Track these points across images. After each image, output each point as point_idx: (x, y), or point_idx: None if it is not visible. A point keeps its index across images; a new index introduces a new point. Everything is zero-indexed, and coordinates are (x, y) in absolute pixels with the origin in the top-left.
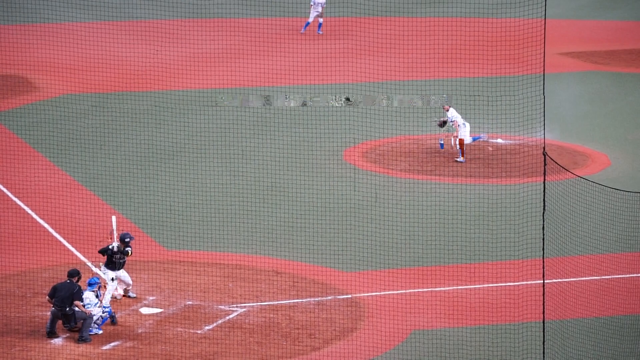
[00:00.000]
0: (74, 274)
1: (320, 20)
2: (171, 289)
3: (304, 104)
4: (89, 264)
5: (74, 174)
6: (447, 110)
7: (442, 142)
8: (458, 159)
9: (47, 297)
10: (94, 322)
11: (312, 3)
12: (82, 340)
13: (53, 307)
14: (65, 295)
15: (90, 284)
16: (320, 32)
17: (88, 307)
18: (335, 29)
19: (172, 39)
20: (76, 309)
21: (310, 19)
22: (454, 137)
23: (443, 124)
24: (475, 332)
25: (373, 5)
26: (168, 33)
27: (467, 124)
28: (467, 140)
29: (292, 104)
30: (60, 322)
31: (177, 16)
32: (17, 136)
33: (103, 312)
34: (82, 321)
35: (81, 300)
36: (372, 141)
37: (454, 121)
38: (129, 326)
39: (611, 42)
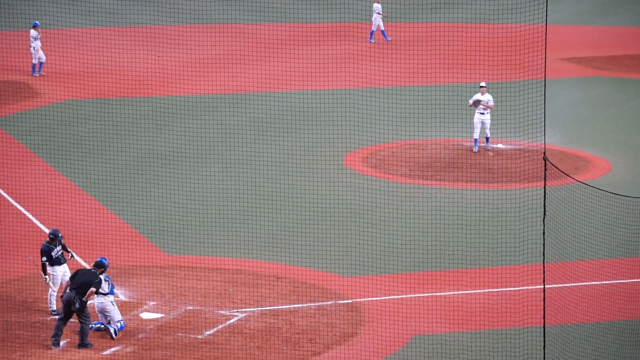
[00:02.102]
0: (100, 265)
1: (373, 28)
2: (172, 294)
3: (305, 109)
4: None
5: (75, 178)
6: (483, 94)
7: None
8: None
9: (69, 279)
10: (114, 323)
11: (375, 10)
12: (83, 346)
13: (70, 289)
14: (84, 280)
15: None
16: (372, 41)
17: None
18: (337, 34)
19: (172, 45)
20: (93, 300)
21: (382, 26)
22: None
23: (477, 102)
24: (476, 337)
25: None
26: (169, 39)
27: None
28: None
29: (292, 109)
30: (65, 328)
31: (178, 22)
32: (18, 141)
33: (118, 322)
34: (82, 327)
35: (97, 288)
36: (373, 146)
37: (489, 104)
38: (129, 331)
39: (612, 47)
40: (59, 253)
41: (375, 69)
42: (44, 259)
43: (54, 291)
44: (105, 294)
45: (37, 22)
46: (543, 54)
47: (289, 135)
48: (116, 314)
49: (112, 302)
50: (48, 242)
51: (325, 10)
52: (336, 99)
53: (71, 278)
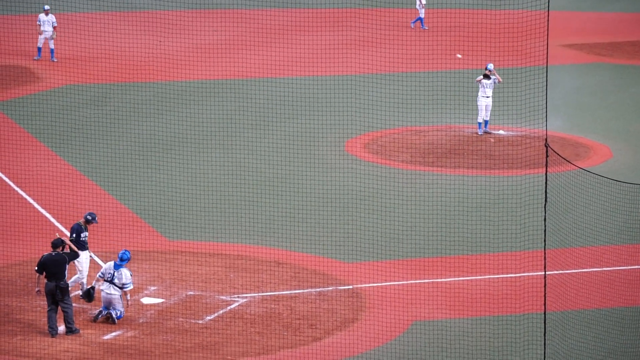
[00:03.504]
0: (58, 243)
1: (421, 15)
2: (172, 279)
3: (306, 95)
4: (91, 253)
5: (76, 163)
6: (490, 74)
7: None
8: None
9: (37, 272)
10: (117, 310)
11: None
12: (70, 331)
13: (47, 281)
14: (55, 270)
15: (122, 260)
16: (413, 27)
17: (127, 287)
18: (338, 20)
19: (174, 30)
20: (102, 288)
21: (423, 14)
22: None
23: (487, 76)
24: (476, 323)
25: None
26: (171, 24)
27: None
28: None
29: (294, 95)
30: (59, 317)
31: (180, 7)
32: (19, 126)
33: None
34: (65, 313)
35: (74, 258)
36: (374, 132)
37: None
38: (130, 316)
39: (614, 34)
40: (86, 237)
41: (376, 55)
42: (74, 235)
43: (83, 276)
44: (120, 287)
45: (45, 5)
46: (545, 41)
47: (290, 121)
48: (119, 307)
49: (120, 296)
50: (81, 223)
51: None
52: (337, 85)
53: (42, 270)
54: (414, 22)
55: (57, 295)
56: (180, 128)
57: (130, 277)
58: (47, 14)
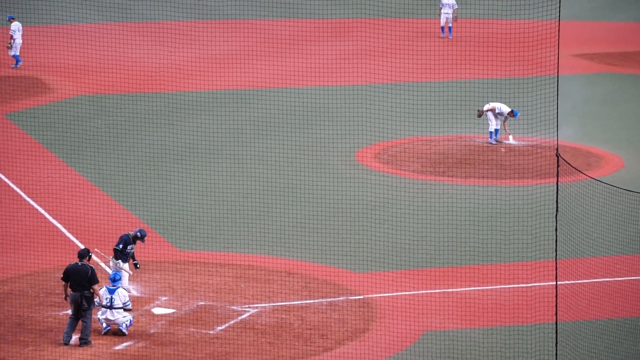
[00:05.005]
0: (84, 254)
1: (450, 24)
2: (183, 290)
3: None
4: (102, 264)
5: (87, 174)
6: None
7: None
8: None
9: (62, 280)
10: (123, 324)
11: (440, 5)
12: (84, 343)
13: (72, 291)
14: (80, 279)
15: (114, 280)
16: (450, 37)
17: (128, 305)
18: (349, 30)
19: (185, 41)
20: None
21: (442, 22)
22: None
23: (480, 114)
24: (487, 334)
25: (386, 6)
26: (182, 34)
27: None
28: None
29: (304, 106)
30: (76, 327)
31: (191, 17)
32: (31, 136)
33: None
34: (84, 323)
35: (97, 282)
36: (385, 142)
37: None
38: (141, 326)
39: (625, 43)
40: (132, 249)
41: (387, 64)
42: (120, 246)
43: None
44: (119, 308)
45: (9, 15)
46: (555, 50)
47: (301, 131)
48: (126, 319)
49: (123, 315)
50: (130, 236)
51: (337, 6)
52: (348, 95)
53: (67, 278)
54: (450, 33)
55: (82, 304)
56: (191, 138)
57: (127, 294)
58: (11, 23)
